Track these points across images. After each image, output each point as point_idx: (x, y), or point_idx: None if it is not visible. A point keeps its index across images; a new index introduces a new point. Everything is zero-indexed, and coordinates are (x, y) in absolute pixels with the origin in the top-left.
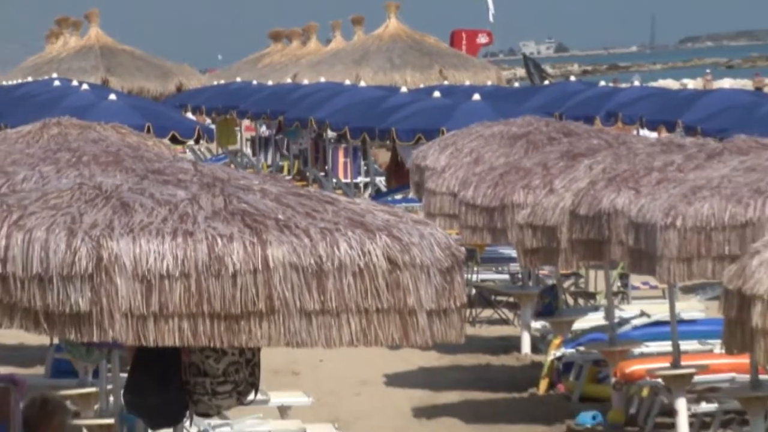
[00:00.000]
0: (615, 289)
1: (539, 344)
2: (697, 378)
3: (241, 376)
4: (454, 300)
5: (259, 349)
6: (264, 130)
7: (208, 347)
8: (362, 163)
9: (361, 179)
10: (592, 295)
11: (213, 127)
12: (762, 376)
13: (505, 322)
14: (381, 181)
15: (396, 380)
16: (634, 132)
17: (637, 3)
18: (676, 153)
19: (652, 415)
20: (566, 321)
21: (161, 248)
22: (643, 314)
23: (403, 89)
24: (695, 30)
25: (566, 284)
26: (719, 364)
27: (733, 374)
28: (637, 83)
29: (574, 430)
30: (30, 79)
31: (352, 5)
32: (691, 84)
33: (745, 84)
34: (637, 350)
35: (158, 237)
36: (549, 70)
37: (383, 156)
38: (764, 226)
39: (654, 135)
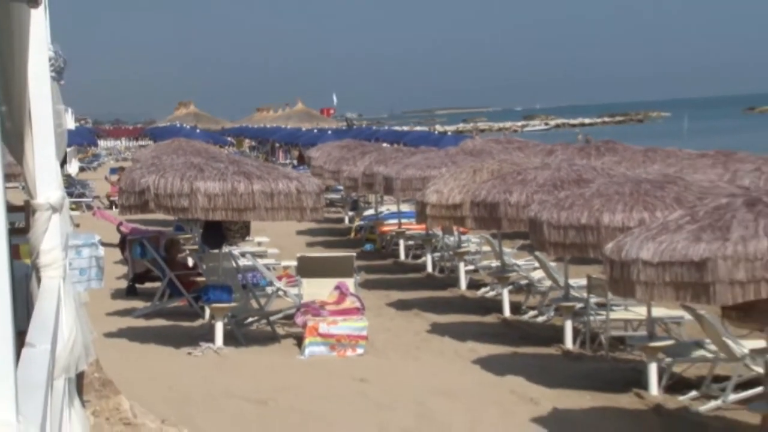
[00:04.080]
0: (380, 201)
1: (353, 221)
2: (408, 232)
3: (243, 231)
4: (320, 204)
5: (250, 222)
6: (253, 143)
7: (231, 220)
8: (288, 155)
9: (288, 161)
10: (371, 204)
11: (234, 141)
12: (430, 233)
13: (339, 213)
14: (294, 162)
15: (300, 234)
16: (384, 145)
17: (388, 93)
18: (406, 152)
19: (391, 245)
20: (361, 211)
21: (214, 185)
22: (389, 209)
23: (303, 129)
24: (408, 107)
25: (361, 200)
26: (416, 227)
27: (421, 231)
28: (386, 127)
29: (363, 251)
30: (168, 123)
31: (287, 94)
32: (406, 128)
33: (425, 129)
34: (387, 222)
35: (212, 180)
36: (355, 123)
37: (296, 153)
38: (433, 178)
39: (388, 146)
